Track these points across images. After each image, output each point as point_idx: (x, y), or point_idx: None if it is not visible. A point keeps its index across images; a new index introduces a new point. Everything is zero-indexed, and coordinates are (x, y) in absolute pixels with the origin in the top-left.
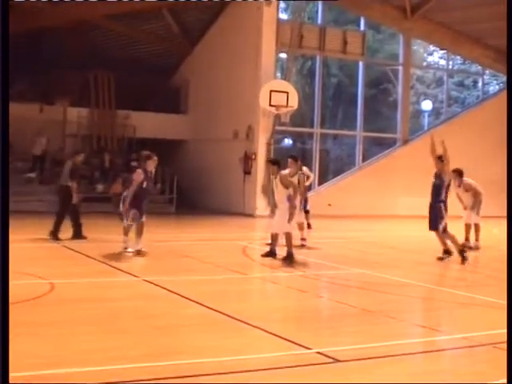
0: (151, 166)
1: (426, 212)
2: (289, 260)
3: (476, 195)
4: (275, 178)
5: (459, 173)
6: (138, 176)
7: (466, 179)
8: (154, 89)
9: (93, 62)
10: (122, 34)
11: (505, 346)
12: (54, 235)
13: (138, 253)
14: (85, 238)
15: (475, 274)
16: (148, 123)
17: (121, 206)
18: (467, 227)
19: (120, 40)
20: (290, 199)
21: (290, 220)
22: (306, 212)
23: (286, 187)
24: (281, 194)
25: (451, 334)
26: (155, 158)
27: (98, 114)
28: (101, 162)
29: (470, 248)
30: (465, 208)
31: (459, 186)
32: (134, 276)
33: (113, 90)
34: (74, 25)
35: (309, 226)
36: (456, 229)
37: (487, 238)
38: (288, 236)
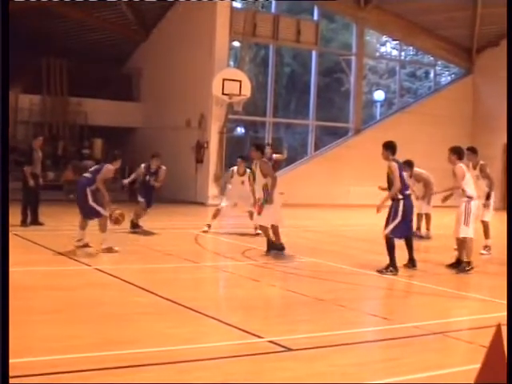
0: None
1: (376, 201)
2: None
3: (427, 185)
4: (257, 164)
5: (409, 164)
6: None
7: (417, 169)
8: (107, 76)
9: (45, 48)
10: (76, 20)
11: (456, 334)
12: (23, 222)
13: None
14: (41, 224)
15: (426, 264)
16: (100, 110)
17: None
18: (419, 217)
19: (74, 26)
20: (265, 189)
21: (259, 211)
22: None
23: (265, 176)
24: (260, 183)
25: (402, 323)
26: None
27: (50, 100)
28: (54, 150)
29: (421, 237)
30: (417, 198)
31: (410, 176)
32: (86, 265)
33: (65, 77)
34: (24, 10)
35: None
36: None
37: (438, 227)
38: (262, 229)
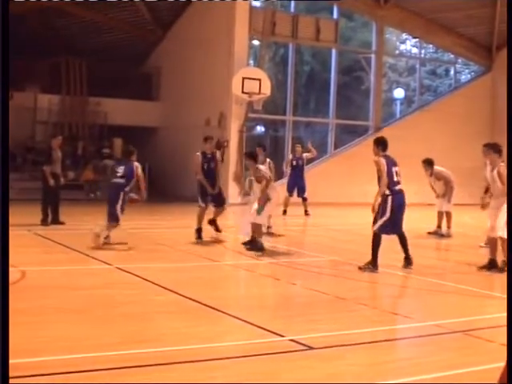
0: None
1: None
2: (255, 246)
3: (447, 183)
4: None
5: (430, 162)
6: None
7: (437, 168)
8: (126, 75)
9: (64, 48)
10: (94, 20)
11: (477, 332)
12: (44, 221)
13: None
14: (62, 223)
15: (447, 262)
16: (119, 110)
17: None
18: (439, 215)
19: (91, 27)
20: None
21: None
22: (304, 200)
23: (258, 181)
24: (257, 187)
25: (423, 321)
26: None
27: (70, 100)
28: (73, 150)
29: (442, 235)
30: (437, 196)
31: (431, 175)
32: (107, 264)
33: (84, 77)
34: (44, 10)
35: (306, 212)
36: (429, 217)
37: (459, 225)
38: (255, 226)
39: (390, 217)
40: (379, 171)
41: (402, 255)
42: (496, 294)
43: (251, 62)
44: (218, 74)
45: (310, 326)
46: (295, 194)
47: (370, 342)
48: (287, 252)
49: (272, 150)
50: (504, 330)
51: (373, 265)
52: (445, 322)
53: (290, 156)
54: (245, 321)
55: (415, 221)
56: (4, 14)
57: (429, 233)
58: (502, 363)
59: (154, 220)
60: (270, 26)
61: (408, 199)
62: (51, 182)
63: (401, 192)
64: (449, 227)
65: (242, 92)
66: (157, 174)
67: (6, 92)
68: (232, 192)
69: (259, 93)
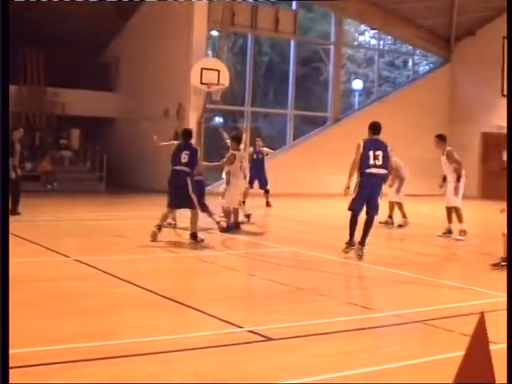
0: None
1: None
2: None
3: (398, 173)
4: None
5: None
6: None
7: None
8: (84, 66)
9: (22, 37)
10: (52, 9)
11: (436, 322)
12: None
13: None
14: (18, 213)
15: (405, 252)
16: (77, 101)
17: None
18: (391, 205)
19: (50, 16)
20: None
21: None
22: (267, 192)
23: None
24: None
25: (382, 312)
26: None
27: (27, 90)
28: (31, 140)
29: (399, 225)
30: (390, 186)
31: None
32: (66, 256)
33: (42, 67)
34: None
35: (268, 204)
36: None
37: (416, 215)
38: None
39: (358, 195)
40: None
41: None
42: (455, 284)
43: (210, 52)
44: (176, 65)
45: (270, 317)
46: (256, 186)
47: (329, 333)
48: (247, 243)
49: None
50: (464, 319)
51: (348, 242)
52: (404, 312)
53: (251, 149)
54: (204, 312)
55: None
56: (4, 14)
57: (380, 222)
58: (462, 352)
59: (113, 211)
60: (228, 17)
61: None
62: (12, 174)
63: (374, 175)
64: (404, 217)
65: (201, 83)
66: (115, 165)
67: (6, 91)
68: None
69: (218, 84)
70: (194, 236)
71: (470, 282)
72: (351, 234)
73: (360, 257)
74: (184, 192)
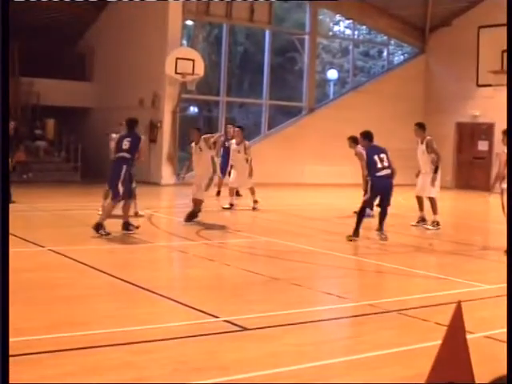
0: None
1: (331, 180)
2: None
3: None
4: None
5: (354, 139)
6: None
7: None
8: (59, 56)
9: None
10: None
11: (411, 312)
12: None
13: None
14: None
15: (378, 242)
16: (52, 90)
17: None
18: None
19: (24, 4)
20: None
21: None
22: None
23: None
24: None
25: (358, 301)
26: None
27: None
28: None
29: (373, 216)
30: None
31: (355, 154)
32: (40, 246)
33: (17, 57)
34: None
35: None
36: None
37: (394, 206)
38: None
39: (371, 196)
40: (361, 161)
41: (336, 237)
42: (430, 274)
43: (185, 42)
44: (151, 55)
45: (245, 307)
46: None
47: (304, 322)
48: (221, 233)
49: (205, 130)
50: (439, 308)
51: (353, 233)
52: (379, 302)
53: (222, 138)
54: (179, 302)
55: (346, 200)
56: (4, 13)
57: (355, 212)
58: (438, 342)
59: (87, 202)
60: (203, 7)
61: (342, 179)
62: None
63: (385, 176)
64: (376, 206)
65: (176, 73)
66: (90, 155)
67: (6, 91)
68: (165, 173)
69: (193, 73)
70: (126, 225)
71: (445, 272)
72: (358, 227)
73: (385, 238)
74: (115, 179)
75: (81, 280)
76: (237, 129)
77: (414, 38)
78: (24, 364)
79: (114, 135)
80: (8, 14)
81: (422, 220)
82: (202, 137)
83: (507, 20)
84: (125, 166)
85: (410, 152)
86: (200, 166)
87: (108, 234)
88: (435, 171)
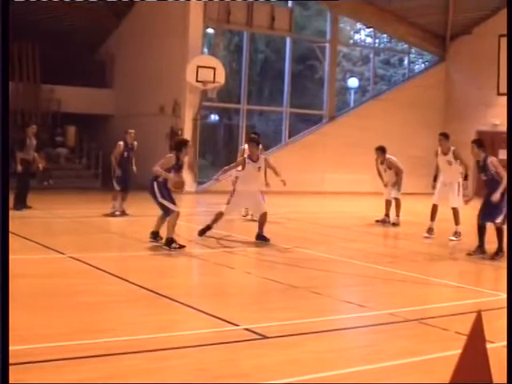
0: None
1: (351, 188)
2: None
3: (398, 173)
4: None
5: (382, 150)
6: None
7: (390, 156)
8: (80, 63)
9: (17, 33)
10: (48, 5)
11: (431, 321)
12: (18, 206)
13: None
14: (29, 207)
15: (398, 250)
16: (73, 98)
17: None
18: (387, 203)
19: (46, 12)
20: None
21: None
22: None
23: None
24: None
25: (378, 310)
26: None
27: (22, 87)
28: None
29: (393, 224)
30: (385, 185)
31: (382, 162)
32: (60, 253)
33: (38, 63)
34: None
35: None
36: (377, 205)
37: (412, 214)
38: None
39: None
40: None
41: (356, 245)
42: (450, 283)
43: (205, 50)
44: (172, 62)
45: (265, 315)
46: None
47: (324, 331)
48: (241, 241)
49: (226, 138)
50: (459, 317)
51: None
52: (399, 311)
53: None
54: (199, 310)
55: (366, 208)
56: (4, 13)
57: (377, 221)
58: (458, 351)
59: (107, 209)
60: (224, 14)
61: (362, 188)
62: (19, 168)
63: None
64: (397, 215)
65: (197, 80)
66: (111, 162)
67: (6, 90)
68: (186, 181)
69: (213, 81)
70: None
71: (466, 281)
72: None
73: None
74: (154, 198)
75: (101, 287)
76: (246, 146)
77: (435, 46)
78: (45, 370)
79: (121, 143)
80: (8, 14)
81: (430, 230)
82: (264, 157)
83: (507, 20)
84: (155, 183)
85: (428, 160)
86: (259, 180)
87: (183, 246)
88: (465, 179)
